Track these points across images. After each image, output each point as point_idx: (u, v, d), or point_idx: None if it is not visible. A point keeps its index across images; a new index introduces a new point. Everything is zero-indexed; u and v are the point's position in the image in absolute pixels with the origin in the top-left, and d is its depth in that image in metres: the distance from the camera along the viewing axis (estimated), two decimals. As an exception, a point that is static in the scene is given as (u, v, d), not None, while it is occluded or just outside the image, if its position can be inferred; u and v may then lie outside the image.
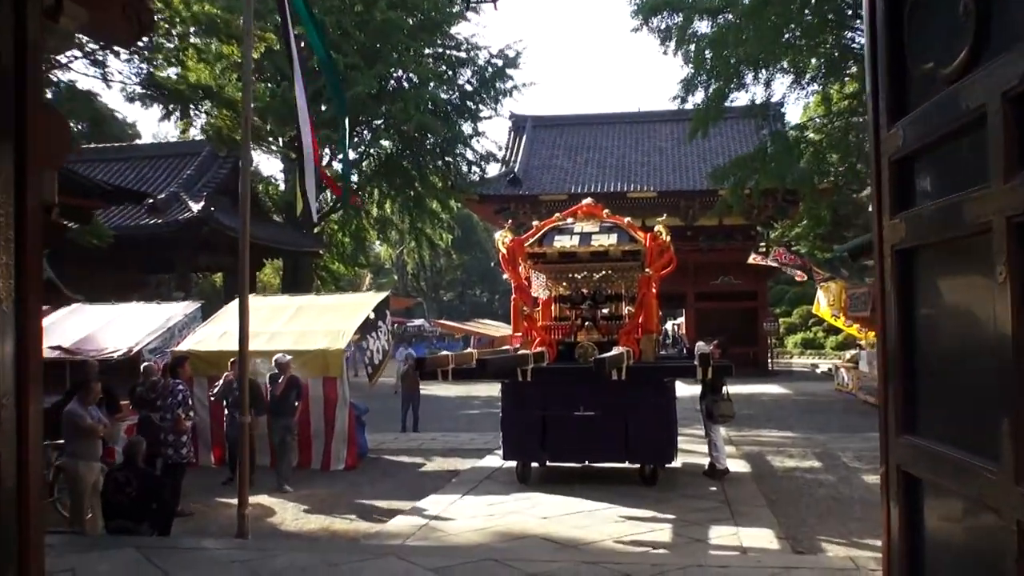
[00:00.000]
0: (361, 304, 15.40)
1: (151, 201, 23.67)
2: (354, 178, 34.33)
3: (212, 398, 12.98)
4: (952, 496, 2.66)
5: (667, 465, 11.47)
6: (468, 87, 34.98)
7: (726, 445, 13.43)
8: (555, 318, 12.42)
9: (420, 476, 12.89)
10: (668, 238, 11.56)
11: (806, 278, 29.57)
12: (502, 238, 11.73)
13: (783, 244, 36.98)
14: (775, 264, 28.71)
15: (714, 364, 10.33)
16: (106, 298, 18.07)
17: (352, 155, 35.29)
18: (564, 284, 12.25)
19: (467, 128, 35.00)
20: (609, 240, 11.58)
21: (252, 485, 11.57)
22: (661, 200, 34.66)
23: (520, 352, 10.80)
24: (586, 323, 11.93)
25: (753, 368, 34.16)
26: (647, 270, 11.16)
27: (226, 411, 12.64)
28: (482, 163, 35.49)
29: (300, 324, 14.75)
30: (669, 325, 68.24)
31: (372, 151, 34.37)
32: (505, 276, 11.90)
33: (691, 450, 13.94)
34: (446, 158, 34.89)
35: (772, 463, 13.38)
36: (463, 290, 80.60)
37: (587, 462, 11.70)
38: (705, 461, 12.28)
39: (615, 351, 10.21)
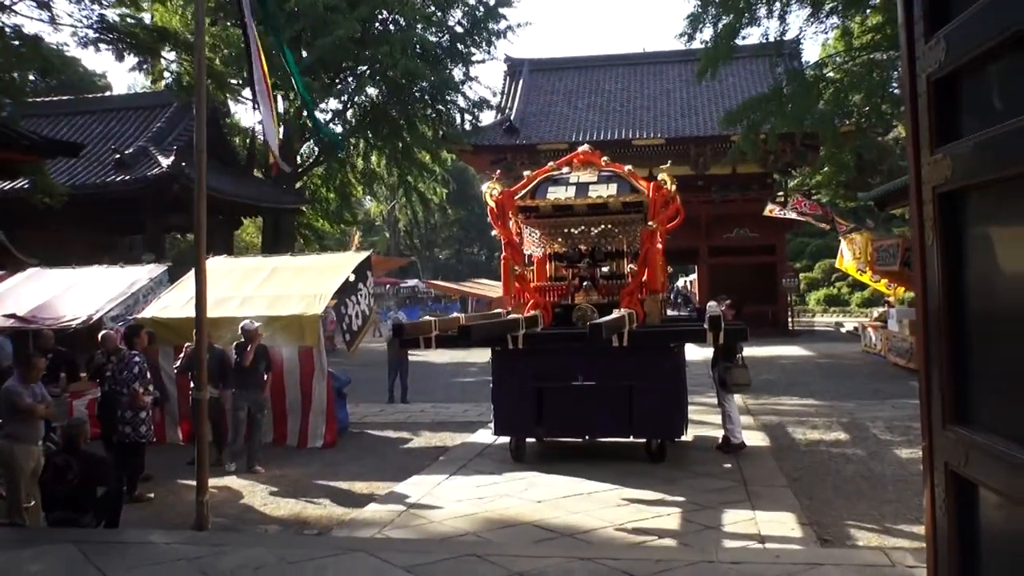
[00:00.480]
0: (340, 265, 14.93)
1: (118, 156, 23.14)
2: (338, 129, 33.76)
3: (176, 370, 12.54)
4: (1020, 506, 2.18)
5: (676, 440, 11.04)
6: (459, 28, 34.18)
7: (742, 415, 13.05)
8: (550, 278, 11.98)
9: (405, 453, 12.50)
10: (673, 187, 11.05)
11: (828, 228, 29.01)
12: (490, 190, 11.20)
13: (802, 193, 36.38)
14: (794, 215, 28.15)
15: (726, 327, 9.85)
16: (74, 262, 17.61)
17: (335, 104, 34.73)
18: (559, 240, 11.80)
19: (458, 73, 34.30)
20: (608, 191, 11.07)
21: (221, 464, 11.32)
22: (669, 147, 34.17)
23: (510, 316, 10.32)
24: (584, 283, 11.47)
25: (772, 328, 33.77)
26: (650, 223, 10.65)
27: (191, 384, 12.22)
28: (475, 111, 34.85)
29: (274, 287, 14.30)
30: (680, 282, 68.05)
31: (356, 99, 33.66)
32: (494, 232, 11.40)
33: (704, 421, 13.65)
34: (436, 106, 34.20)
35: (793, 435, 12.96)
36: (459, 248, 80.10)
37: (587, 437, 11.29)
38: (719, 434, 11.88)
39: (614, 314, 9.75)
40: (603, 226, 11.39)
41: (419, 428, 14.55)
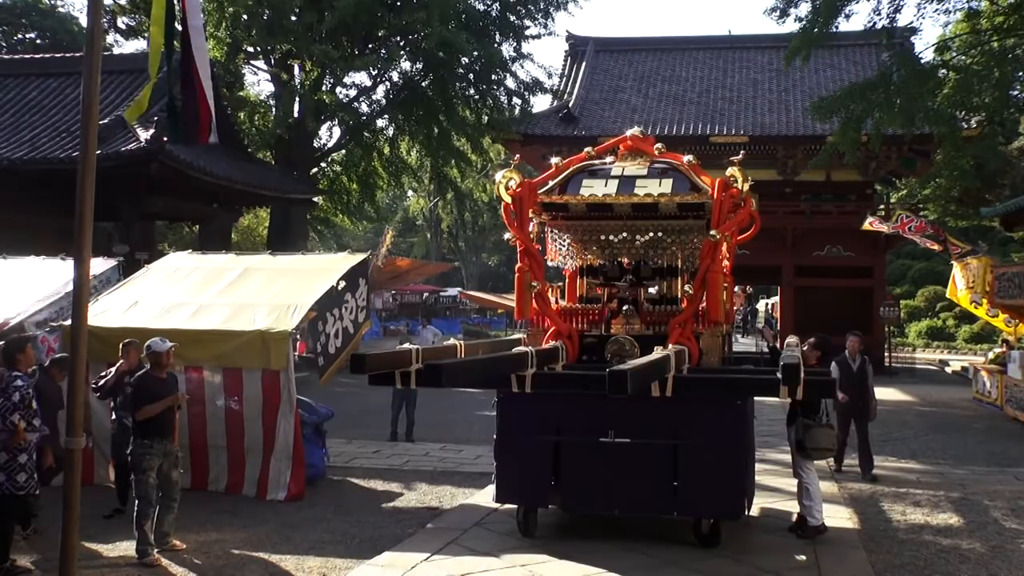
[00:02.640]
0: (327, 269, 13.39)
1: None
2: (364, 108, 32.39)
3: (97, 394, 11.01)
4: None
5: (736, 518, 9.25)
6: (510, -6, 32.62)
7: (824, 480, 11.34)
8: (580, 299, 10.25)
9: (387, 515, 10.85)
10: (746, 186, 9.28)
11: (941, 248, 27.00)
12: (505, 180, 9.53)
13: (909, 207, 34.32)
14: (896, 232, 26.25)
15: (807, 379, 8.08)
16: (40, 250, 16.34)
17: (360, 78, 33.40)
18: (594, 250, 10.08)
19: (508, 49, 32.68)
20: (660, 187, 9.37)
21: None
22: (753, 147, 32.54)
23: (515, 350, 8.62)
24: (624, 308, 9.74)
25: (866, 365, 31.76)
26: (713, 232, 8.90)
27: (112, 415, 10.70)
28: (527, 94, 33.20)
29: (241, 294, 12.79)
30: (761, 305, 66.05)
31: (386, 74, 32.21)
32: (508, 236, 9.75)
33: (775, 488, 11.98)
34: (480, 86, 32.62)
35: (889, 514, 11.12)
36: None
37: (618, 511, 9.56)
38: (793, 506, 10.10)
39: (656, 353, 8.02)
40: (652, 234, 9.67)
41: (415, 479, 12.94)
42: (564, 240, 10.17)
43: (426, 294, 63.71)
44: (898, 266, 50.54)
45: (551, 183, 9.84)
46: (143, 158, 21.10)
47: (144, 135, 20.95)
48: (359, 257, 14.09)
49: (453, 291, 64.51)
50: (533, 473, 9.19)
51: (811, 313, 32.95)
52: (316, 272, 13.31)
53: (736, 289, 61.48)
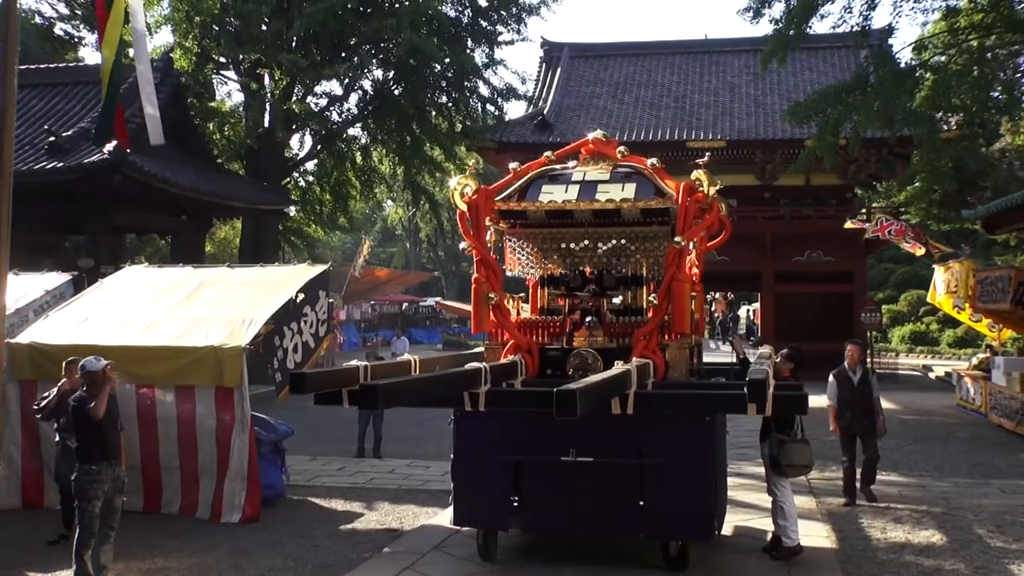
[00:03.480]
0: (285, 281, 12.95)
1: (52, 139, 21.40)
2: (335, 117, 31.91)
3: (39, 415, 10.54)
4: None
5: (706, 540, 8.83)
6: (483, 1, 32.13)
7: (800, 496, 10.97)
8: (542, 310, 9.83)
9: (343, 538, 10.42)
10: (712, 190, 8.88)
11: (923, 251, 26.71)
12: (460, 187, 9.10)
13: (889, 211, 34.08)
14: (877, 235, 26.00)
15: (777, 395, 7.67)
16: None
17: (330, 87, 33.00)
18: (555, 259, 9.66)
19: (481, 55, 32.21)
20: (623, 193, 8.97)
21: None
22: (731, 151, 32.42)
23: (468, 366, 8.17)
24: (588, 319, 9.31)
25: (847, 371, 31.46)
26: (678, 239, 8.49)
27: (56, 437, 10.23)
28: (500, 100, 32.73)
29: (194, 308, 12.35)
30: (743, 311, 65.77)
31: (358, 83, 31.73)
32: (464, 245, 9.30)
33: (749, 504, 11.60)
34: (453, 93, 32.18)
35: (869, 531, 10.74)
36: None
37: (582, 534, 9.15)
38: (768, 525, 9.70)
39: (614, 369, 7.61)
40: (615, 241, 9.23)
41: (377, 498, 12.52)
42: (523, 249, 9.75)
43: (405, 304, 63.22)
44: (880, 271, 50.33)
45: (509, 189, 9.44)
46: (106, 169, 20.62)
47: (107, 146, 20.50)
48: (319, 269, 13.63)
49: (432, 300, 64.10)
50: (492, 494, 8.76)
51: (792, 319, 32.67)
52: (274, 285, 12.86)
53: (717, 296, 61.39)
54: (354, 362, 8.32)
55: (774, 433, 9.15)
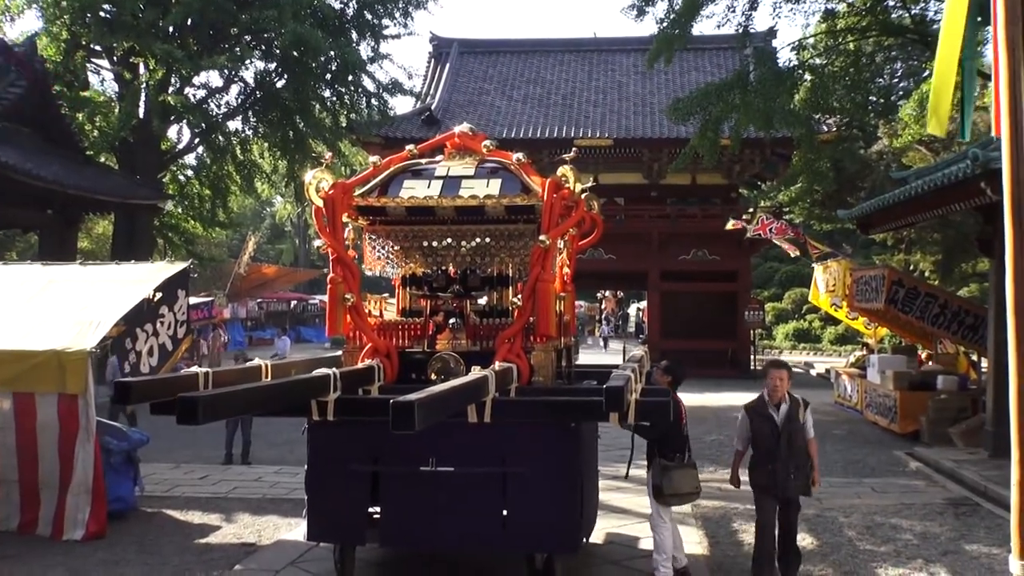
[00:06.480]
0: (143, 280, 12.16)
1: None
2: (215, 109, 30.90)
3: None
4: None
5: (572, 551, 8.41)
6: (367, -8, 31.48)
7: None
8: (403, 312, 9.32)
9: (194, 555, 9.73)
10: (578, 187, 8.47)
11: (799, 253, 26.99)
12: (315, 182, 8.52)
13: (771, 211, 34.44)
14: (758, 234, 26.16)
15: (641, 405, 7.29)
16: None
17: (208, 79, 32.04)
18: (417, 258, 9.16)
19: (366, 49, 31.54)
20: (488, 189, 8.50)
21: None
22: (619, 149, 32.54)
23: (312, 375, 7.59)
24: (451, 321, 8.84)
25: (731, 369, 31.97)
26: (542, 238, 8.05)
27: None
28: (386, 95, 32.10)
29: (39, 309, 11.46)
30: (632, 309, 66.19)
31: (238, 75, 30.81)
32: (319, 244, 8.75)
33: (623, 508, 11.31)
34: (337, 87, 31.47)
35: (742, 536, 10.53)
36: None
37: (444, 547, 8.67)
38: (642, 530, 9.42)
39: (472, 375, 7.15)
40: (479, 239, 8.78)
41: (238, 508, 11.84)
42: (384, 247, 9.22)
43: (294, 302, 62.00)
44: (766, 269, 51.05)
45: (370, 184, 8.90)
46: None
47: (-40, 135, 19.34)
48: (178, 267, 12.87)
49: (320, 298, 63.00)
50: (347, 507, 8.19)
51: (679, 318, 32.86)
52: (129, 284, 12.03)
53: (607, 294, 61.39)
54: (194, 369, 7.68)
55: (658, 458, 8.63)
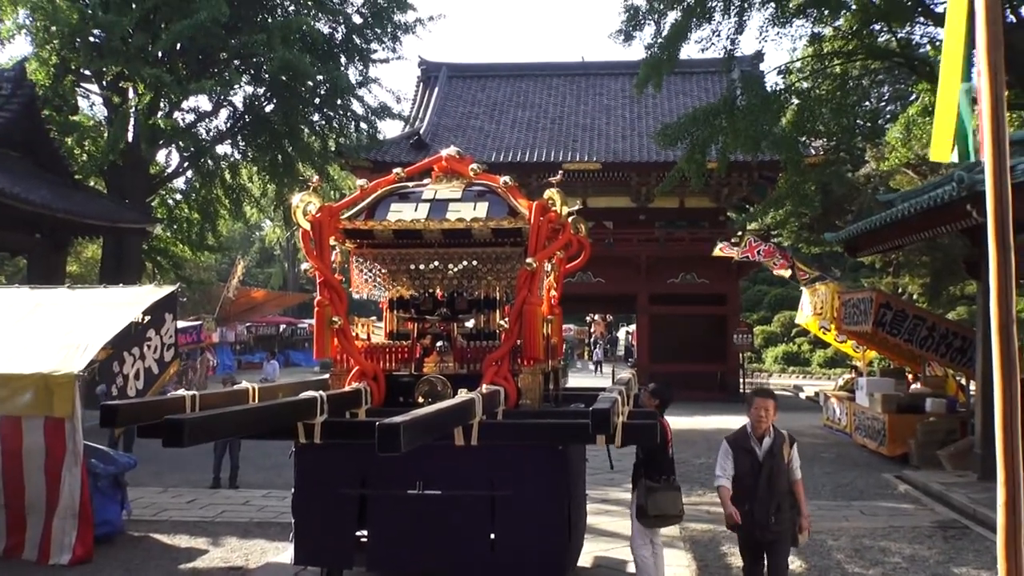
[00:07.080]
0: (130, 303, 12.15)
1: None
2: (204, 134, 30.93)
3: None
4: None
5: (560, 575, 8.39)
6: (357, 18, 31.61)
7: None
8: (391, 335, 9.33)
9: (181, 578, 9.73)
10: (565, 210, 8.51)
11: (788, 273, 27.05)
12: (302, 205, 8.55)
13: (760, 234, 34.55)
14: (746, 257, 26.23)
15: (627, 427, 7.30)
16: None
17: (197, 103, 32.12)
18: (405, 281, 9.18)
19: (355, 73, 31.65)
20: (475, 212, 8.53)
21: None
22: (607, 173, 32.59)
23: (299, 398, 7.60)
24: (439, 344, 8.86)
25: (721, 392, 31.90)
26: (529, 261, 8.08)
27: None
28: (374, 119, 32.17)
29: (26, 332, 11.42)
30: (622, 333, 66.13)
31: (228, 99, 30.88)
32: (306, 267, 8.77)
33: (612, 532, 11.27)
34: (326, 111, 31.57)
35: (730, 559, 10.50)
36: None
37: (431, 570, 8.64)
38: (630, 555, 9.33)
39: (458, 397, 7.16)
40: (466, 262, 8.81)
41: (226, 532, 11.80)
42: (371, 270, 9.24)
43: (283, 326, 61.80)
44: (755, 292, 51.06)
45: (357, 207, 8.93)
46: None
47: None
48: (165, 290, 12.87)
49: (309, 323, 62.82)
50: (335, 531, 8.20)
51: (668, 341, 32.86)
52: (116, 307, 12.02)
53: (596, 318, 61.30)
54: (180, 392, 7.68)
55: (643, 480, 8.57)
